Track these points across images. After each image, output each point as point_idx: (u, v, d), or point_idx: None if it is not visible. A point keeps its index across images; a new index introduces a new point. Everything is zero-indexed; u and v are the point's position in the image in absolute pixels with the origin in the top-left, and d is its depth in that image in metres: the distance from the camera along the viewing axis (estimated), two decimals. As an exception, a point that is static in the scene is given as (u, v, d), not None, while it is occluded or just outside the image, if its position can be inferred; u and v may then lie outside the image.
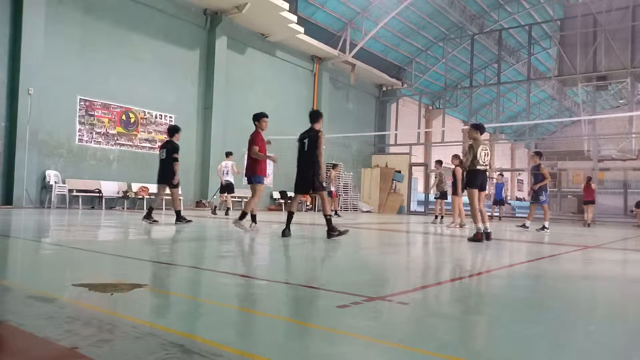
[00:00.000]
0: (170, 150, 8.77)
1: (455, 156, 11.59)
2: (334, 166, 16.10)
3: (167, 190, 8.95)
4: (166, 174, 8.75)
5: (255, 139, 7.46)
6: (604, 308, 3.03)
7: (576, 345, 2.12)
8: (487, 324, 2.43)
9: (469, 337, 2.17)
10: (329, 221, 6.49)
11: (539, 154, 10.88)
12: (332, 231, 6.43)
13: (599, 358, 1.94)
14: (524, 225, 11.15)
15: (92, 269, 3.68)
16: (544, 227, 10.42)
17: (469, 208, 7.35)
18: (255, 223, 7.50)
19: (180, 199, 9.03)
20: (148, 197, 14.89)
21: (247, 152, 7.52)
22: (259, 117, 7.69)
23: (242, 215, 7.29)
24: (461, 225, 11.08)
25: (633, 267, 5.49)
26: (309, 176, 6.57)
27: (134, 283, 2.87)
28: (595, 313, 2.87)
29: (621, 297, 3.43)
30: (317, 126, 6.72)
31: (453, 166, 11.56)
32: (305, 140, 6.65)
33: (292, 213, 6.74)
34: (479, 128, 7.41)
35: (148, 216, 8.52)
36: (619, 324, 2.57)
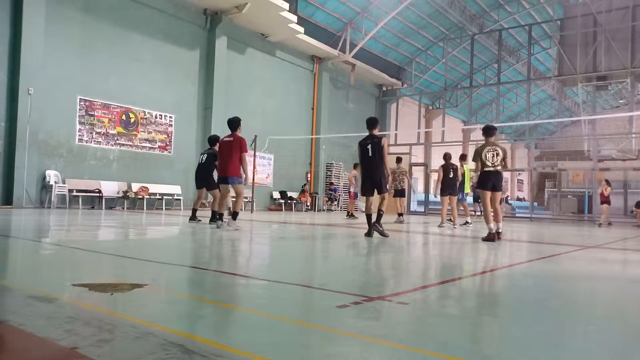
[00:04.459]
0: (211, 156, 9.18)
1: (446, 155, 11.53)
2: (355, 166, 15.66)
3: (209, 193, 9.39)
4: (204, 178, 9.21)
5: (245, 145, 7.72)
6: (604, 308, 3.03)
7: (576, 345, 2.12)
8: (487, 324, 2.43)
9: (469, 337, 2.17)
10: (380, 216, 7.05)
11: (461, 158, 12.01)
12: (379, 226, 6.97)
13: (599, 358, 1.94)
14: (466, 223, 11.79)
15: (92, 269, 3.68)
16: (466, 222, 11.66)
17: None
18: (222, 221, 7.98)
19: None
20: (148, 197, 14.90)
21: (232, 155, 7.68)
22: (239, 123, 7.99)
23: (234, 216, 7.62)
24: (439, 226, 11.06)
25: (633, 267, 5.49)
26: (377, 179, 7.05)
27: (134, 283, 2.87)
28: (595, 313, 2.87)
29: (621, 297, 3.43)
30: (376, 132, 7.17)
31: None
32: (369, 147, 7.05)
33: (370, 215, 7.12)
34: (485, 131, 7.78)
35: (193, 217, 9.12)
36: (619, 324, 2.57)
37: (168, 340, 1.81)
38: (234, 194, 8.10)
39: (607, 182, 16.33)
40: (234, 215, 7.58)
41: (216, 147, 9.29)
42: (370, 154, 7.04)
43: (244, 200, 18.05)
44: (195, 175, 9.56)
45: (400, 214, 12.98)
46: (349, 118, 24.31)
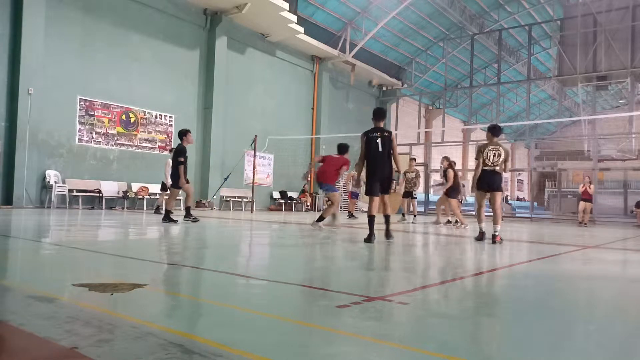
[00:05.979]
0: (174, 153, 9.09)
1: (445, 158, 11.82)
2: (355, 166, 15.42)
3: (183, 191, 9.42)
4: (174, 175, 9.00)
5: (349, 164, 8.79)
6: (604, 308, 3.03)
7: (576, 345, 2.12)
8: (487, 324, 2.43)
9: (469, 337, 2.17)
10: (389, 222, 6.52)
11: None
12: (388, 233, 6.42)
13: (599, 358, 1.94)
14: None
15: (92, 269, 3.68)
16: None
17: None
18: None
19: (176, 199, 9.40)
20: (148, 197, 14.90)
21: (333, 168, 8.51)
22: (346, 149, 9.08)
23: (320, 219, 8.40)
24: (448, 223, 11.32)
25: (633, 267, 5.49)
26: (385, 177, 6.41)
27: (134, 283, 2.87)
28: (595, 313, 2.87)
29: (621, 297, 3.43)
30: (382, 124, 6.55)
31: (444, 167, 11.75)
32: (379, 141, 6.35)
33: (373, 217, 6.36)
34: (490, 130, 7.48)
35: (188, 215, 9.09)
36: (619, 324, 2.57)
37: (168, 340, 1.81)
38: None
39: (590, 180, 16.38)
40: (320, 218, 8.34)
41: (184, 142, 8.97)
42: (380, 149, 6.33)
43: (244, 200, 18.05)
44: (171, 176, 9.25)
45: (414, 215, 13.11)
46: (349, 118, 24.29)
